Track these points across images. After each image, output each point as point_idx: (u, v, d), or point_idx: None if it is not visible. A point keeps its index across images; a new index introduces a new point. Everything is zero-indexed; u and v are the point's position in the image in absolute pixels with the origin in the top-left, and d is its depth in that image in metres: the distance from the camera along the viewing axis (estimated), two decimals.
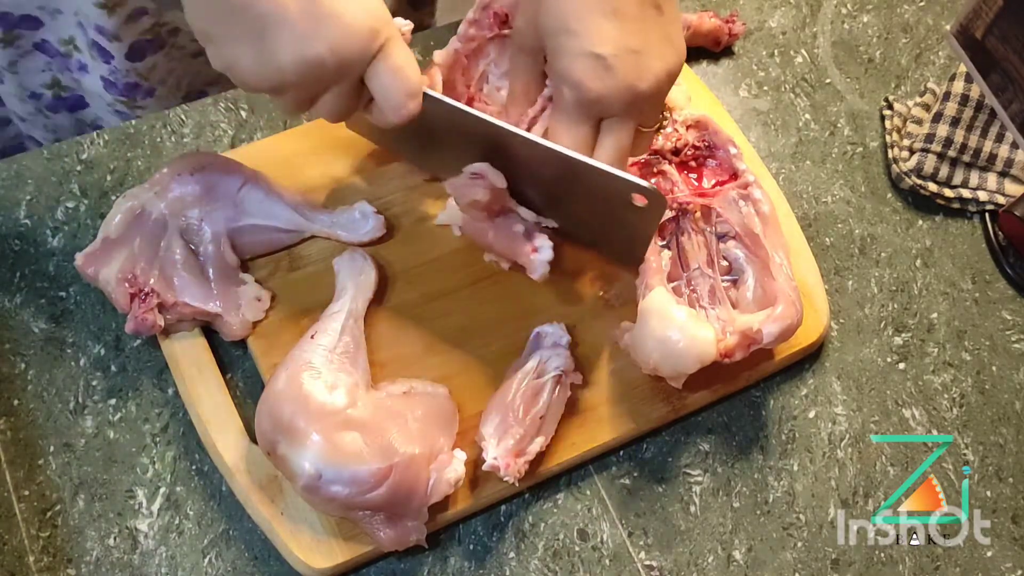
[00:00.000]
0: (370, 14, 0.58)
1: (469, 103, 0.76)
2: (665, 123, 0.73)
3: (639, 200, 0.65)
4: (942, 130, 0.84)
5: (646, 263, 0.71)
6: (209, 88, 0.92)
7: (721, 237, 0.74)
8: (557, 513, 0.70)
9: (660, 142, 0.76)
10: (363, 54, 0.59)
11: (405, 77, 0.60)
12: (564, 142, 0.65)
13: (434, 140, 0.72)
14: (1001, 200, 0.83)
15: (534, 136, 0.66)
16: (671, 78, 0.65)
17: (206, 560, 0.67)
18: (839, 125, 0.87)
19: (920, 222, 0.83)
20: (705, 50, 0.89)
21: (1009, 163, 0.84)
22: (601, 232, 0.72)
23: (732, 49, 0.90)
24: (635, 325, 0.69)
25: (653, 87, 0.64)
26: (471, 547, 0.69)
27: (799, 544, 0.70)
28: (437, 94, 0.66)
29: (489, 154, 0.68)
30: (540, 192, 0.70)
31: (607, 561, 0.69)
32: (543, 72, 0.68)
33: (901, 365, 0.77)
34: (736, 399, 0.75)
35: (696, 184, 0.76)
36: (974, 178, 0.84)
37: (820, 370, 0.76)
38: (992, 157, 0.84)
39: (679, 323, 0.67)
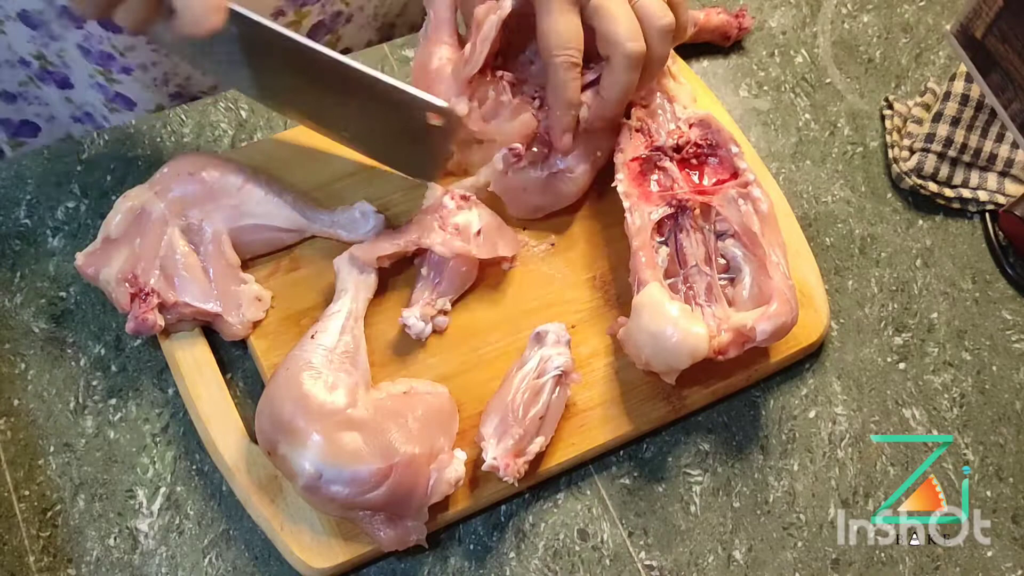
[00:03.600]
0: None
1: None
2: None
3: (433, 119, 0.68)
4: (942, 130, 0.84)
5: (638, 259, 0.71)
6: (203, 94, 0.91)
7: (720, 235, 0.74)
8: (557, 513, 0.70)
9: (662, 138, 0.76)
10: None
11: None
12: (560, 27, 0.67)
13: (241, 58, 0.72)
14: (1001, 200, 0.83)
15: (333, 53, 0.67)
16: None
17: (206, 560, 0.67)
18: (839, 125, 0.87)
19: (920, 222, 0.83)
20: (706, 49, 0.89)
21: (1009, 163, 0.84)
22: (397, 148, 0.75)
23: (741, 44, 0.90)
24: (629, 319, 0.69)
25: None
26: (471, 547, 0.69)
27: (799, 544, 0.70)
28: (241, 9, 0.65)
29: (297, 74, 0.70)
30: (342, 109, 0.72)
31: (607, 561, 0.69)
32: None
33: (901, 365, 0.77)
34: (736, 399, 0.75)
35: (697, 182, 0.76)
36: (974, 178, 0.84)
37: (820, 370, 0.76)
38: (992, 157, 0.84)
39: (672, 318, 0.67)
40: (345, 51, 0.97)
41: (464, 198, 0.73)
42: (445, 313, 0.72)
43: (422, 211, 0.73)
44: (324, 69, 0.68)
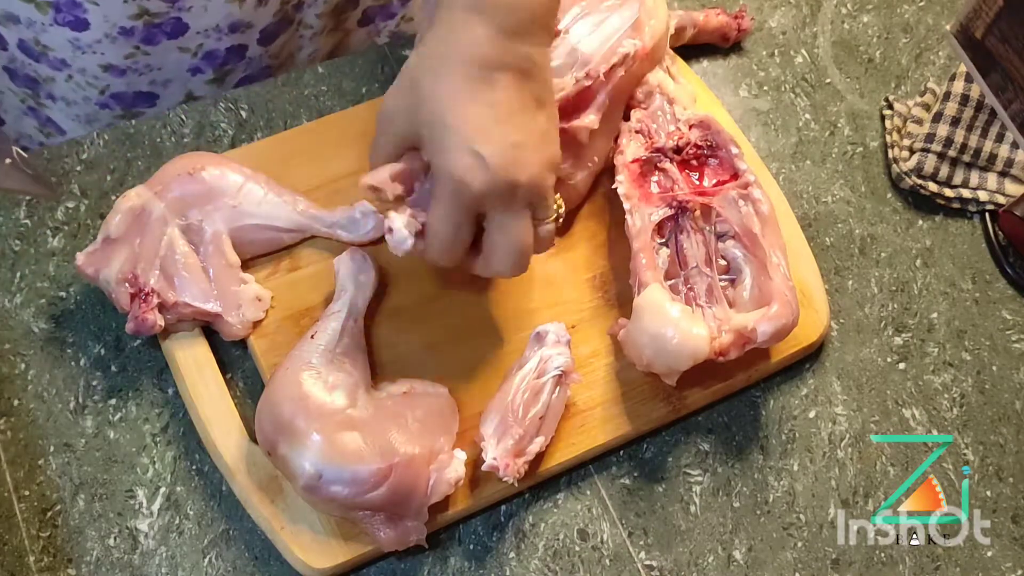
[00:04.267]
0: None
1: None
2: (561, 214, 0.70)
3: None
4: (942, 130, 0.84)
5: (638, 260, 0.71)
6: (197, 91, 0.91)
7: (720, 236, 0.74)
8: (557, 513, 0.70)
9: (663, 140, 0.76)
10: None
11: None
12: (444, 234, 0.64)
13: None
14: (1001, 200, 0.83)
15: None
16: (552, 168, 0.65)
17: (206, 560, 0.67)
18: (839, 125, 0.87)
19: (920, 222, 0.83)
20: (706, 50, 0.89)
21: (1009, 163, 0.84)
22: None
23: (741, 45, 0.90)
24: (630, 321, 0.69)
25: (535, 179, 0.63)
26: (471, 547, 0.69)
27: (799, 544, 0.70)
28: None
29: None
30: None
31: (607, 561, 0.69)
32: (402, 155, 0.67)
33: (901, 365, 0.77)
34: (736, 399, 0.75)
35: (697, 183, 0.76)
36: (974, 178, 0.84)
37: (820, 370, 0.76)
38: (992, 157, 0.84)
39: (673, 320, 0.67)
40: (333, 53, 0.96)
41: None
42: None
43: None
44: None
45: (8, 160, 0.65)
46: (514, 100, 0.63)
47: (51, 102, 0.90)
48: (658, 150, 0.76)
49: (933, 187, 0.83)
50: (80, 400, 0.71)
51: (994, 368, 0.77)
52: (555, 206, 0.68)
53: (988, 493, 0.73)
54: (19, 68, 0.88)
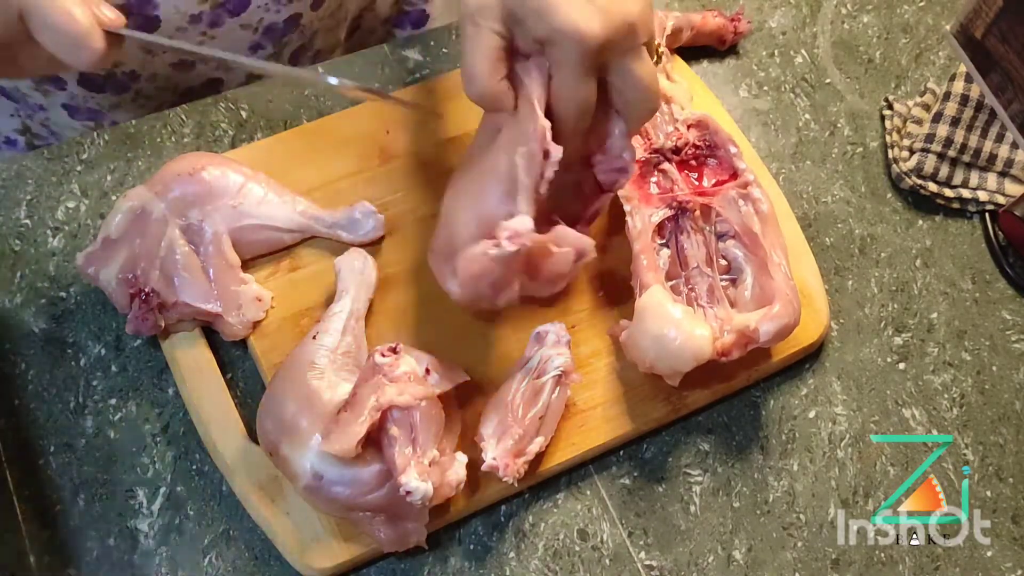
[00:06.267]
0: None
1: None
2: (664, 60, 0.68)
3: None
4: (942, 130, 0.84)
5: (639, 262, 0.71)
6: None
7: (720, 236, 0.74)
8: (557, 513, 0.70)
9: (661, 141, 0.76)
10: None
11: (64, 29, 0.57)
12: (575, 96, 0.61)
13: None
14: (1001, 200, 0.83)
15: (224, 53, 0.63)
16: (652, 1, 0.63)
17: (206, 560, 0.67)
18: (839, 125, 0.87)
19: (920, 222, 0.83)
20: (706, 50, 0.89)
21: (1009, 163, 0.84)
22: None
23: (736, 48, 0.90)
24: (632, 323, 0.69)
25: (646, 12, 0.61)
26: (471, 547, 0.69)
27: (799, 544, 0.70)
28: (134, 33, 0.61)
29: None
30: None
31: (607, 561, 0.69)
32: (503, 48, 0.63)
33: (901, 365, 0.77)
34: (736, 399, 0.75)
35: (696, 183, 0.76)
36: (974, 178, 0.84)
37: (820, 370, 0.76)
38: (992, 157, 0.84)
39: (675, 321, 0.67)
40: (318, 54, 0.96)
41: (392, 349, 0.66)
42: (435, 463, 0.64)
43: (360, 380, 0.65)
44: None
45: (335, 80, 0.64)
46: None
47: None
48: (657, 151, 0.76)
49: (933, 187, 0.83)
50: (80, 400, 0.71)
51: (994, 368, 0.77)
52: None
53: (988, 493, 0.73)
54: (79, 104, 0.87)
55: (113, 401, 0.72)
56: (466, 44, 0.61)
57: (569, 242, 0.64)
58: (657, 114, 0.78)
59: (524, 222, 0.60)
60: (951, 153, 0.84)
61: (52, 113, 0.88)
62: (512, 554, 0.69)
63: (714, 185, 0.75)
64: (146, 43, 0.64)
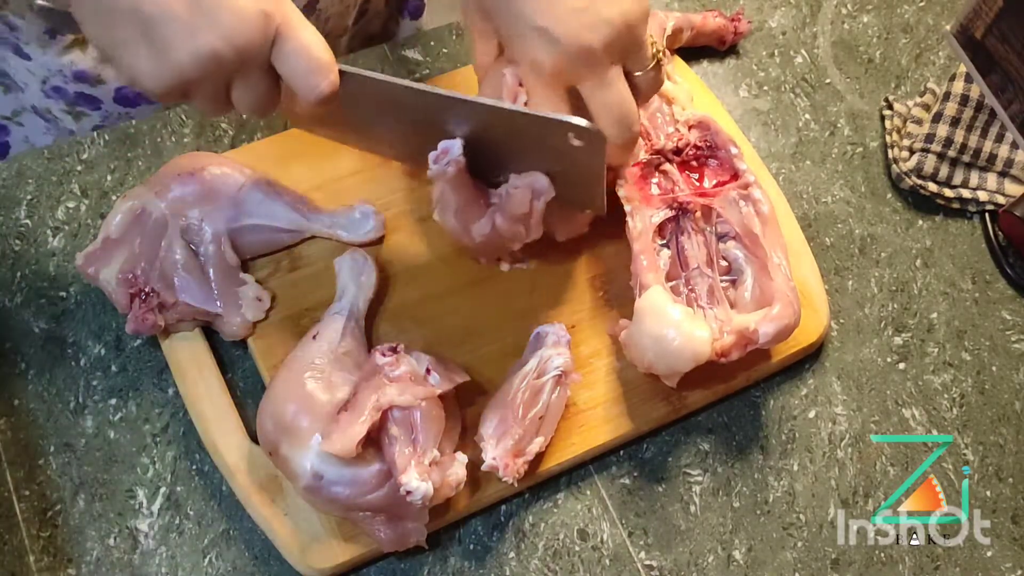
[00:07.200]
0: None
1: None
2: (660, 56, 0.67)
3: (575, 140, 0.63)
4: (942, 130, 0.84)
5: (639, 262, 0.71)
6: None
7: (721, 237, 0.74)
8: (557, 513, 0.70)
9: (662, 141, 0.76)
10: (259, 38, 0.56)
11: (310, 56, 0.57)
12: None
13: (377, 121, 0.70)
14: (1001, 200, 0.83)
15: (460, 94, 0.63)
16: (635, 16, 0.62)
17: (206, 560, 0.67)
18: (839, 125, 0.87)
19: (920, 222, 0.83)
20: (706, 50, 0.89)
21: (1009, 163, 0.84)
22: (557, 182, 0.69)
23: (736, 48, 0.90)
24: (631, 322, 0.69)
25: (614, 36, 0.61)
26: (471, 547, 0.69)
27: (799, 544, 0.71)
28: (355, 69, 0.62)
29: (430, 125, 0.66)
30: (488, 154, 0.68)
31: (607, 561, 0.69)
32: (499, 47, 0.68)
33: (901, 365, 0.77)
34: (736, 399, 0.75)
35: (697, 184, 0.76)
36: (974, 178, 0.84)
37: (820, 370, 0.76)
38: (992, 157, 0.84)
39: (675, 321, 0.67)
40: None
41: (392, 349, 0.66)
42: (435, 463, 0.64)
43: (360, 380, 0.66)
44: (457, 114, 0.64)
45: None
46: None
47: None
48: (658, 152, 0.76)
49: (933, 187, 0.83)
50: (80, 400, 0.71)
51: (994, 368, 0.77)
52: (652, 52, 0.65)
53: (988, 493, 0.73)
54: (111, 122, 0.86)
55: (113, 401, 0.72)
56: (474, 46, 0.68)
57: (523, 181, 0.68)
58: (658, 115, 0.78)
59: (454, 145, 0.66)
60: (951, 153, 0.84)
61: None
62: (512, 554, 0.69)
63: (715, 186, 0.75)
64: (370, 80, 0.63)
